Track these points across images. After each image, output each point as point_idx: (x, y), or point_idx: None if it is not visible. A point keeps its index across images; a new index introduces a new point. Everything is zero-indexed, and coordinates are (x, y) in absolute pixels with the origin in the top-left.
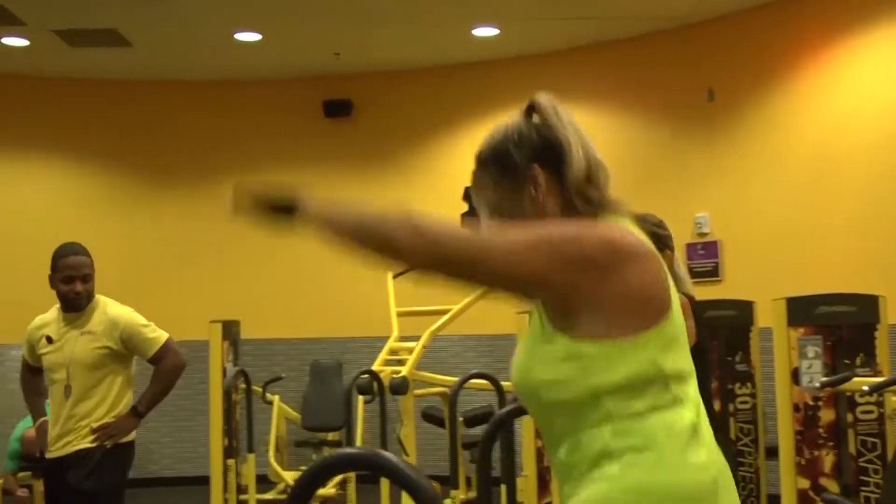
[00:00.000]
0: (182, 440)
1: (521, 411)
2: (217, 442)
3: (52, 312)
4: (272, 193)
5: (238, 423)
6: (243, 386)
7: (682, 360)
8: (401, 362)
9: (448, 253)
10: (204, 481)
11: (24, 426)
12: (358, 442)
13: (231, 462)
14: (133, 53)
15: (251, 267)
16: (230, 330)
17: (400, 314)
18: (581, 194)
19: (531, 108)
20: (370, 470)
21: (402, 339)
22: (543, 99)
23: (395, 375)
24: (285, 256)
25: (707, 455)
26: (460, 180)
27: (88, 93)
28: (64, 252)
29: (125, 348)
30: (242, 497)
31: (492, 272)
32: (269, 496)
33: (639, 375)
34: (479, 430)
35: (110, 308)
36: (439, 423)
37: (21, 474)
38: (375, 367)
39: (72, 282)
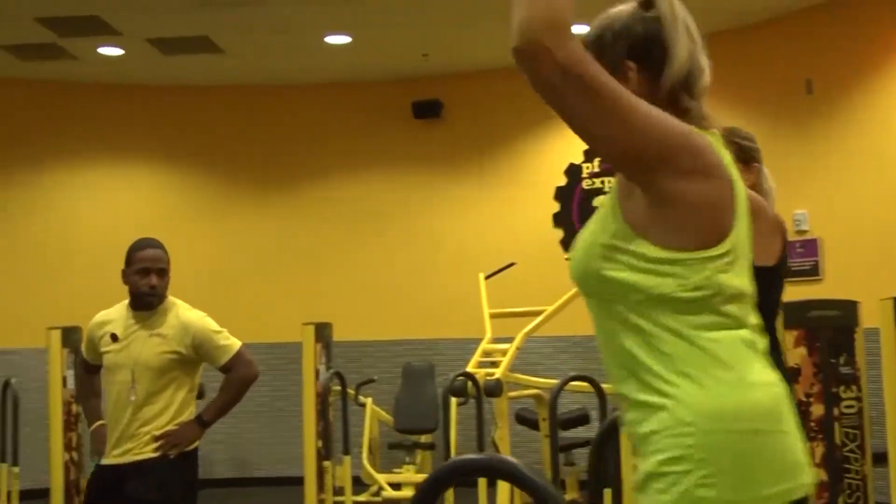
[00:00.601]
0: (278, 441)
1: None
2: (311, 443)
3: (119, 309)
4: None
5: (332, 424)
6: (337, 388)
7: (742, 282)
8: (494, 364)
9: (564, 61)
10: (299, 482)
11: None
12: (452, 445)
13: (327, 464)
14: (224, 59)
15: (343, 269)
16: (323, 332)
17: (493, 315)
18: (672, 99)
19: (648, 1)
20: (495, 475)
21: (495, 340)
22: None
23: (489, 378)
24: (377, 258)
25: (768, 374)
26: (552, 180)
27: (181, 99)
28: (140, 245)
29: (196, 355)
30: (338, 499)
31: (589, 108)
32: (362, 498)
33: (699, 290)
34: (571, 433)
35: (183, 311)
36: (533, 425)
37: None
38: (469, 369)
39: (147, 274)
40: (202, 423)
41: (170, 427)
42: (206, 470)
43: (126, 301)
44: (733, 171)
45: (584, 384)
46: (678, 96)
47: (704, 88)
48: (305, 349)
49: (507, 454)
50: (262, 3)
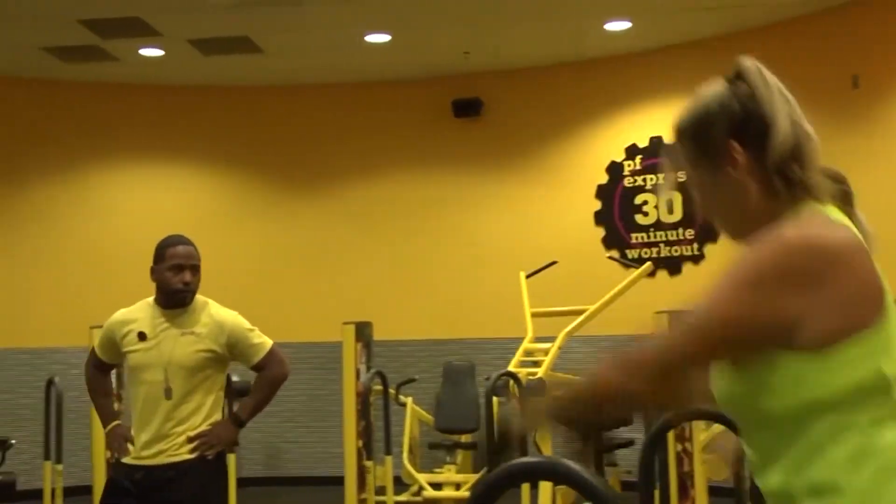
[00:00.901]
0: (317, 440)
1: (678, 420)
2: (351, 443)
3: (142, 308)
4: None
5: (373, 424)
6: (379, 387)
7: None
8: (536, 364)
9: (671, 373)
10: (338, 481)
11: None
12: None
13: (369, 464)
14: (264, 59)
15: (383, 268)
16: (363, 331)
17: (534, 315)
18: (781, 173)
19: (737, 75)
20: (550, 479)
21: (536, 339)
22: (749, 63)
23: (531, 377)
24: (417, 257)
25: None
26: (593, 178)
27: (222, 100)
28: (171, 241)
29: (229, 353)
30: (379, 498)
31: (710, 356)
32: (402, 498)
33: (861, 384)
34: (612, 434)
35: (215, 310)
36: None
37: None
38: (510, 368)
39: (181, 271)
40: (238, 422)
41: (203, 427)
42: (245, 469)
43: (149, 299)
44: (858, 237)
45: None
46: (788, 168)
47: (815, 154)
48: (346, 348)
49: (548, 454)
50: (302, 2)
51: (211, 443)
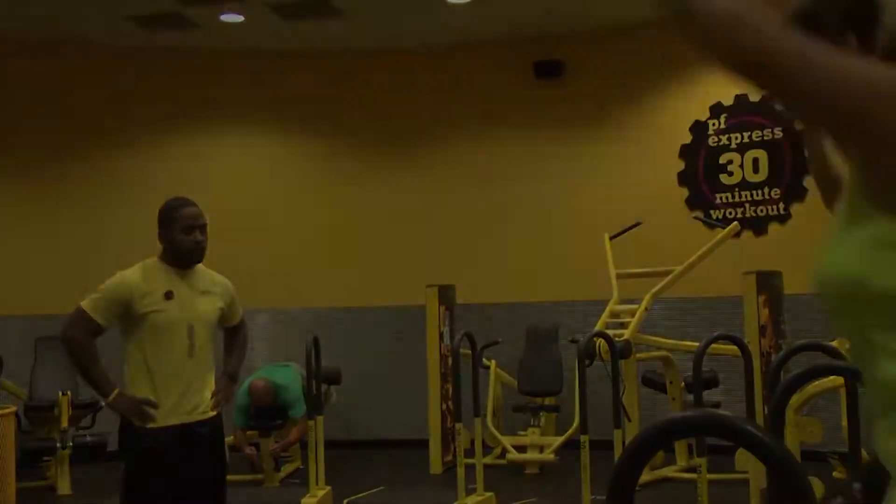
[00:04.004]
0: (398, 403)
1: (805, 378)
2: (436, 405)
3: (150, 269)
4: None
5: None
6: (467, 350)
7: None
8: (622, 325)
9: (763, 51)
10: (419, 444)
11: (249, 380)
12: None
13: (459, 426)
14: (345, 22)
15: (466, 231)
16: (446, 294)
17: (619, 276)
18: None
19: None
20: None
21: (621, 301)
22: None
23: (617, 339)
24: (500, 219)
25: None
26: (677, 137)
27: (303, 65)
28: (179, 203)
29: (228, 310)
30: (468, 461)
31: (816, 90)
32: (487, 460)
33: None
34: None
35: (212, 272)
36: (660, 387)
37: (249, 433)
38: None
39: (192, 231)
40: (235, 378)
41: (211, 382)
42: (335, 433)
43: (150, 261)
44: None
45: (728, 346)
46: None
47: None
48: (429, 311)
49: (635, 416)
50: None
51: (226, 398)
